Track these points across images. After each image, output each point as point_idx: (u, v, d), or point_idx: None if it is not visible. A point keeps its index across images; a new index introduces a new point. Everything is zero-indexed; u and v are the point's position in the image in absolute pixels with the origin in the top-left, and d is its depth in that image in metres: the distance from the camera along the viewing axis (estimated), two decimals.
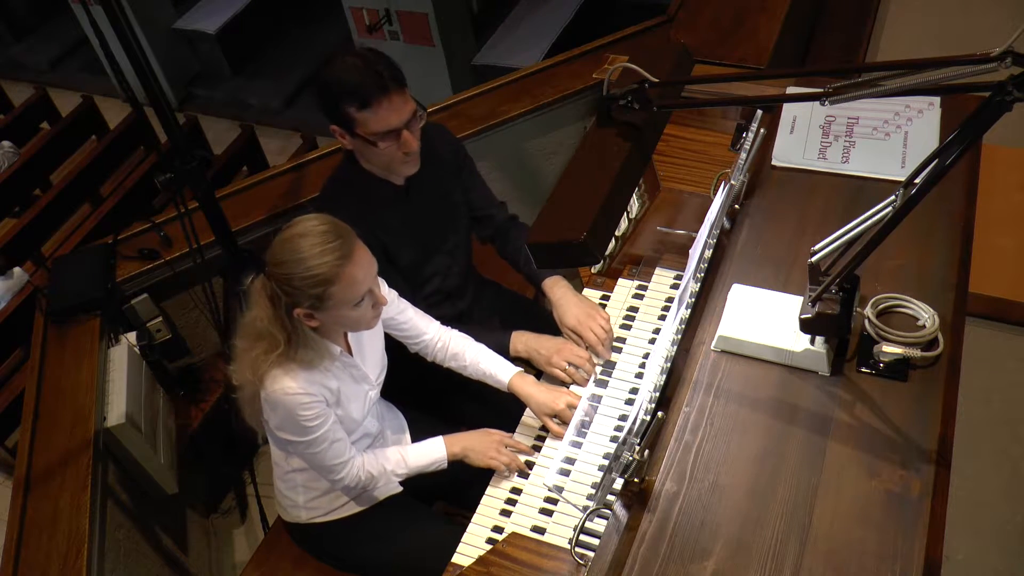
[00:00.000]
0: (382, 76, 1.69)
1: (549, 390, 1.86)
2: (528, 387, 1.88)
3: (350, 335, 1.75)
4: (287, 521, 1.94)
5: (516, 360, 1.99)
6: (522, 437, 1.87)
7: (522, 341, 1.98)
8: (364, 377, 1.77)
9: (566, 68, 2.85)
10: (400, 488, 1.90)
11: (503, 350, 1.98)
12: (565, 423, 1.81)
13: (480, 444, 1.81)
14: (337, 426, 1.70)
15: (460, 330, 1.98)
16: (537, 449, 1.84)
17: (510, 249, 2.18)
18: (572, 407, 1.82)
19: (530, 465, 1.80)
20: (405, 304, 1.90)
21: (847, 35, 4.05)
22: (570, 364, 1.90)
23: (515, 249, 2.15)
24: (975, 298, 2.71)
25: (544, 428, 1.87)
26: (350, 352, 1.74)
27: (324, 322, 1.58)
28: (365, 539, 1.89)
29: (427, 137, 1.89)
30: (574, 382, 1.90)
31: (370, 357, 1.80)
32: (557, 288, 2.02)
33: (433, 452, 1.83)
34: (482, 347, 1.94)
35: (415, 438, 1.99)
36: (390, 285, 1.93)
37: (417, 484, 1.88)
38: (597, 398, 1.87)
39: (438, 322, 1.95)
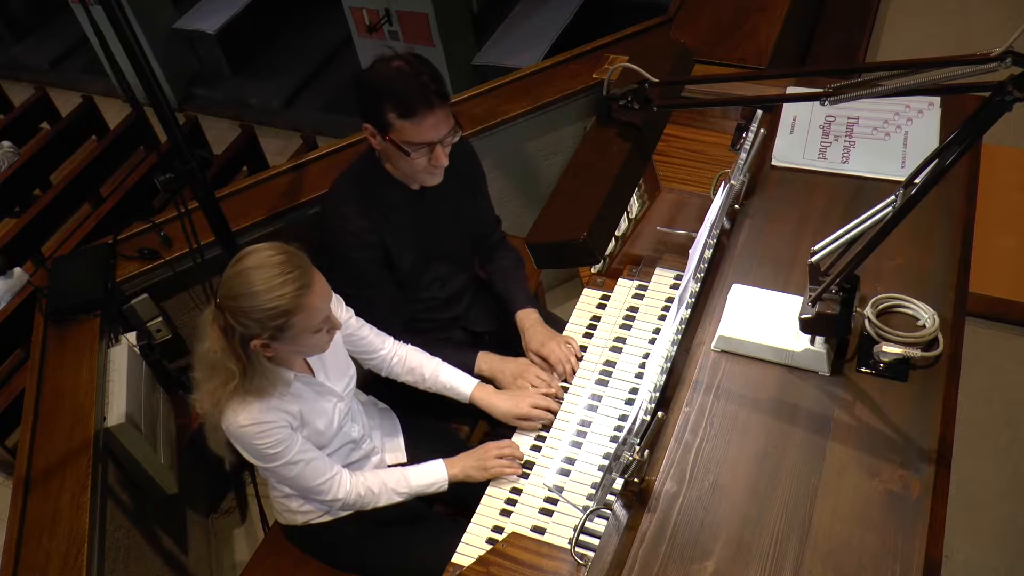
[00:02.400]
0: (429, 89, 1.69)
1: (510, 396, 1.89)
2: (490, 396, 1.91)
3: None
4: (285, 525, 1.94)
5: (480, 380, 2.00)
6: (522, 436, 1.87)
7: (487, 361, 2.00)
8: (328, 391, 1.76)
9: (566, 68, 2.85)
10: None
11: (467, 368, 2.00)
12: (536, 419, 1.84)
13: (478, 461, 1.81)
14: (307, 446, 1.69)
15: (423, 348, 2.00)
16: (537, 449, 1.84)
17: (491, 268, 2.21)
18: (537, 407, 1.85)
19: (530, 465, 1.80)
20: (361, 322, 1.91)
21: (847, 35, 4.05)
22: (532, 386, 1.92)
23: (496, 269, 2.19)
24: (975, 298, 2.71)
25: (545, 428, 1.87)
26: (310, 370, 1.74)
27: (279, 351, 1.58)
28: (364, 539, 1.89)
29: (454, 148, 1.88)
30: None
31: (333, 369, 1.79)
32: (528, 319, 2.05)
33: (434, 473, 1.83)
34: (439, 361, 1.96)
35: (409, 438, 2.00)
36: (383, 295, 1.93)
37: None
38: (597, 398, 1.87)
39: (392, 338, 1.96)
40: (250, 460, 1.68)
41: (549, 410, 1.86)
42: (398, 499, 1.83)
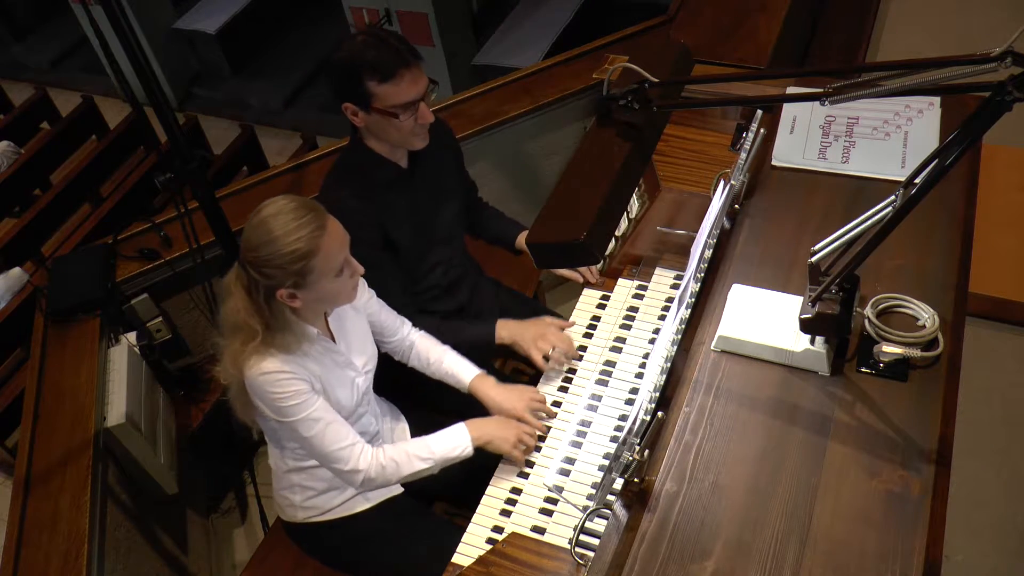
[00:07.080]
0: (400, 51, 1.75)
1: (509, 391, 1.88)
2: (489, 389, 1.89)
3: (331, 320, 1.74)
4: (285, 521, 1.94)
5: (501, 348, 2.02)
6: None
7: (507, 328, 2.01)
8: (348, 363, 1.76)
9: (566, 68, 2.85)
10: (400, 489, 1.90)
11: (488, 338, 2.00)
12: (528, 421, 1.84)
13: (504, 432, 1.78)
14: (328, 407, 1.67)
15: (442, 326, 2.01)
16: (537, 449, 1.84)
17: (483, 219, 2.26)
18: (535, 407, 1.85)
19: (530, 465, 1.80)
20: (382, 304, 1.92)
21: (847, 35, 4.06)
22: (555, 348, 1.93)
23: (487, 216, 2.26)
24: (975, 298, 2.71)
25: (547, 428, 1.87)
26: (332, 338, 1.74)
27: (306, 300, 1.58)
28: (364, 539, 1.89)
29: (433, 126, 1.91)
30: (553, 369, 1.94)
31: (355, 343, 1.79)
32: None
33: (457, 438, 1.78)
34: (447, 348, 1.97)
35: (415, 435, 2.00)
36: (391, 276, 1.95)
37: (416, 485, 1.87)
38: (597, 398, 1.88)
39: (409, 323, 1.97)
40: (269, 415, 1.65)
41: (545, 414, 1.86)
42: (422, 466, 1.76)
